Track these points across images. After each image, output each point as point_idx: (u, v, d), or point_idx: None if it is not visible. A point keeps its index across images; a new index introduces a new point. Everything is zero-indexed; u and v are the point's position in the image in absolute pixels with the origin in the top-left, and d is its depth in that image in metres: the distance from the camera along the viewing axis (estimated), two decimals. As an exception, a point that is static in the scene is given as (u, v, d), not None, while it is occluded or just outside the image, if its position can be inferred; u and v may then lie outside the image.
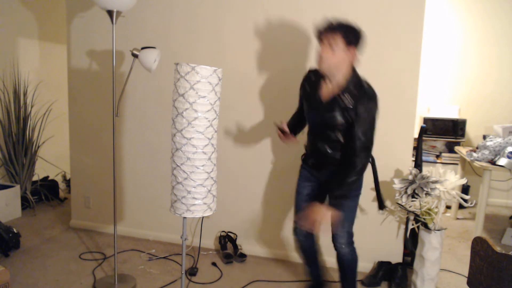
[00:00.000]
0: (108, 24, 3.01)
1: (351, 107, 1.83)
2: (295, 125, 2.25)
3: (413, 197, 2.31)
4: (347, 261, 2.12)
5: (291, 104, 2.76)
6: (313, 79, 2.04)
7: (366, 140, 1.84)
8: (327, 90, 1.95)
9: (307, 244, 2.24)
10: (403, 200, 2.33)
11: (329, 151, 1.98)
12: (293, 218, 2.27)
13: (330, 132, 1.94)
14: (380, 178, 2.67)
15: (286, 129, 2.12)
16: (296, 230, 2.22)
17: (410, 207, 2.41)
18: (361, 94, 1.83)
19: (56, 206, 3.91)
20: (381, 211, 2.38)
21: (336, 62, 1.84)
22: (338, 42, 1.80)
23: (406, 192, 2.32)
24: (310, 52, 2.70)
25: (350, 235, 2.09)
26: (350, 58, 1.85)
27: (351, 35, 1.81)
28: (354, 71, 1.90)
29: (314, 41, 2.66)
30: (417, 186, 2.28)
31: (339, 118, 1.87)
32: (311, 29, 2.68)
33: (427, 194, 2.27)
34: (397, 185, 2.35)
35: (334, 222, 2.01)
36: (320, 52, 1.86)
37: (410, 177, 2.33)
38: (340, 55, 1.82)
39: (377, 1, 2.56)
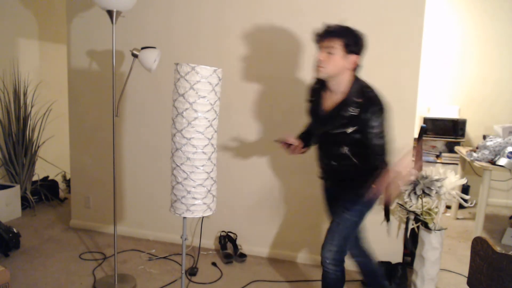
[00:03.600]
0: (108, 24, 3.00)
1: (356, 114, 1.72)
2: (307, 137, 2.06)
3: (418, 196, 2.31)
4: (330, 281, 1.88)
5: (292, 104, 2.77)
6: (317, 89, 1.92)
7: (380, 147, 1.76)
8: (329, 100, 1.83)
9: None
10: (413, 201, 2.31)
11: (334, 163, 1.88)
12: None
13: (335, 146, 1.84)
14: (380, 178, 2.68)
15: (292, 140, 1.97)
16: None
17: (410, 207, 2.40)
18: (365, 101, 1.72)
19: (56, 206, 3.91)
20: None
21: (335, 70, 1.73)
22: (338, 49, 1.70)
23: (415, 193, 2.29)
24: (311, 54, 2.70)
25: (340, 252, 1.85)
26: (350, 65, 1.75)
27: (351, 43, 1.71)
28: (356, 78, 1.80)
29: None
30: (422, 186, 2.28)
31: (342, 129, 1.77)
32: (310, 30, 2.68)
33: (436, 192, 2.26)
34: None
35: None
36: (318, 58, 1.74)
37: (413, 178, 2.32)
38: (339, 62, 1.72)
39: (377, 1, 2.56)
